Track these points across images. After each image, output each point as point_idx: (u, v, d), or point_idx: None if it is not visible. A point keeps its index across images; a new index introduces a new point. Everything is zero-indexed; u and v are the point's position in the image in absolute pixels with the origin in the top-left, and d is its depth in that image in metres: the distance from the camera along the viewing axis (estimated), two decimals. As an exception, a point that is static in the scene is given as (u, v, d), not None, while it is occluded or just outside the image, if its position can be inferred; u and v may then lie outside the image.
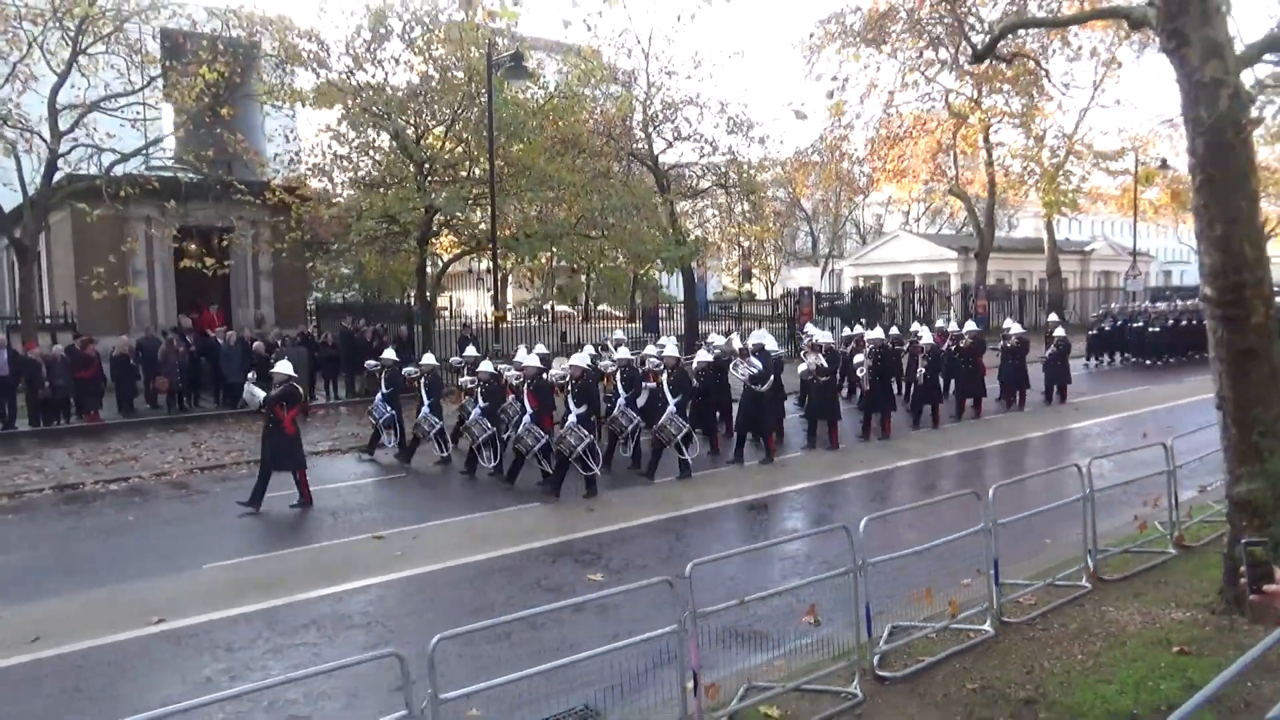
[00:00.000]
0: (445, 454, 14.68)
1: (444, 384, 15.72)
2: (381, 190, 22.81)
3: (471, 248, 25.05)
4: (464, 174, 23.65)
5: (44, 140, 18.51)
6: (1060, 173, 35.74)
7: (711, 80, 72.83)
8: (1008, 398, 19.02)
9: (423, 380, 14.79)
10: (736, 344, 16.18)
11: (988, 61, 32.95)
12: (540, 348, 16.06)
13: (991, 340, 20.59)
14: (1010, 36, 29.81)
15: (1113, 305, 32.64)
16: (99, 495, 13.52)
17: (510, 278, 53.23)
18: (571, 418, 12.10)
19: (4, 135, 18.65)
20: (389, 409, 15.14)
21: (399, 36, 22.88)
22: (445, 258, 26.92)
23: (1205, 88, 6.57)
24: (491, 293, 19.64)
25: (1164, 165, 35.08)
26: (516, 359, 14.52)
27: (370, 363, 17.28)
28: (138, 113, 21.84)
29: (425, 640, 4.53)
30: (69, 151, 18.95)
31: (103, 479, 14.32)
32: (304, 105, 22.73)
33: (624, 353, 14.78)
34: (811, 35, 33.27)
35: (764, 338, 15.54)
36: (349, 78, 23.16)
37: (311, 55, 22.53)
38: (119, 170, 21.12)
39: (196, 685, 6.61)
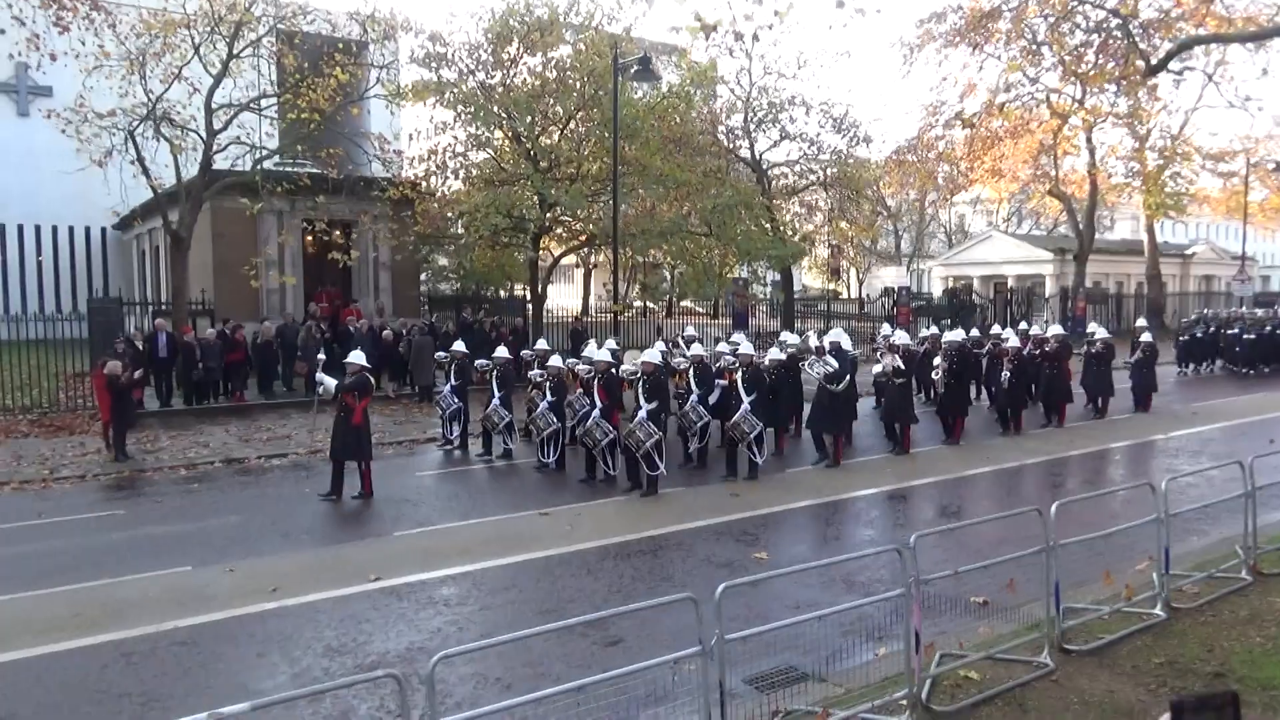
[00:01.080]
0: (508, 447, 14.79)
1: (515, 378, 15.71)
2: (500, 187, 23.71)
3: (581, 243, 25.89)
4: (573, 171, 24.42)
5: (201, 137, 19.84)
6: (1166, 174, 35.10)
7: (815, 80, 72.64)
8: (1093, 404, 18.57)
9: (494, 373, 14.92)
10: (812, 342, 16.00)
11: (1093, 72, 32.68)
12: (611, 342, 16.05)
13: (1076, 344, 20.15)
14: (1100, 35, 29.51)
15: (1205, 311, 31.82)
16: (265, 469, 14.61)
17: (593, 274, 54.43)
18: (642, 413, 12.08)
19: (163, 133, 19.99)
20: (456, 400, 15.35)
21: (520, 40, 23.76)
22: (556, 252, 27.82)
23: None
24: (609, 286, 20.34)
25: (1278, 168, 34.19)
26: (586, 353, 14.52)
27: (440, 354, 17.31)
28: (277, 112, 23.12)
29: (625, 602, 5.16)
30: (225, 148, 20.27)
31: (264, 454, 15.44)
32: (439, 104, 23.74)
33: (697, 349, 14.79)
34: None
35: (840, 336, 15.47)
36: (468, 78, 24.16)
37: (438, 57, 23.57)
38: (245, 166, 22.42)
39: (430, 634, 7.42)
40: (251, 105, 20.63)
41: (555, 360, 14.37)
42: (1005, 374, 16.84)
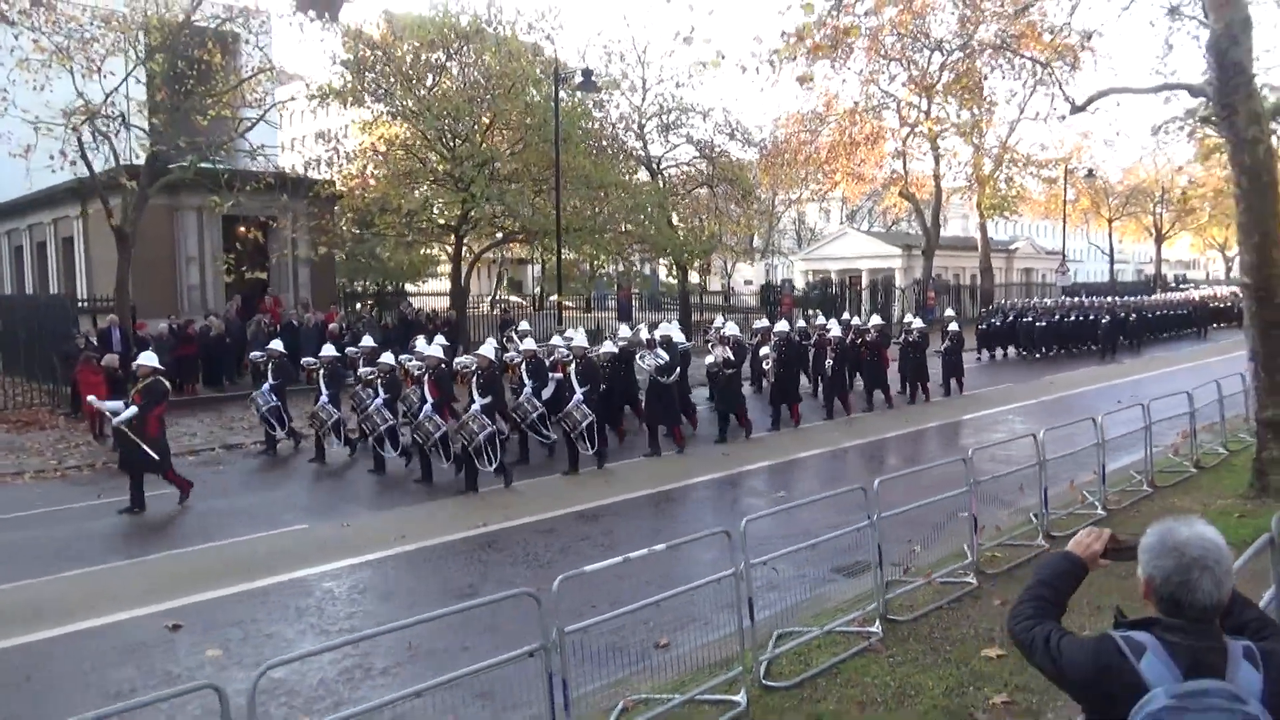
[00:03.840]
0: (341, 445, 14.66)
1: (344, 376, 15.29)
2: (430, 185, 24.86)
3: (503, 239, 27.32)
4: (505, 171, 25.81)
5: (144, 133, 20.07)
6: (1001, 179, 39.90)
7: (704, 87, 75.98)
8: (909, 390, 19.60)
9: (322, 372, 14.71)
10: (644, 335, 16.38)
11: (938, 88, 36.98)
12: (440, 339, 16.08)
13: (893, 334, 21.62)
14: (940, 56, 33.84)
15: (1003, 301, 35.53)
16: (260, 453, 15.42)
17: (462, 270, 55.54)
18: (475, 407, 12.17)
19: (103, 131, 20.08)
20: (274, 399, 14.97)
21: (444, 50, 25.00)
22: (476, 250, 29.09)
23: (1248, 143, 9.72)
24: (554, 278, 21.94)
25: (1090, 175, 39.55)
26: (417, 349, 14.59)
27: (255, 354, 16.78)
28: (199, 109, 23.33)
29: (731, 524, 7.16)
30: (166, 149, 20.52)
31: (251, 440, 16.21)
32: (356, 104, 24.64)
33: (529, 343, 14.83)
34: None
35: (671, 330, 15.86)
36: (396, 82, 25.13)
37: (364, 61, 24.49)
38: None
39: (559, 554, 9.13)
40: (183, 104, 20.87)
41: (387, 357, 14.18)
42: (828, 362, 17.59)
